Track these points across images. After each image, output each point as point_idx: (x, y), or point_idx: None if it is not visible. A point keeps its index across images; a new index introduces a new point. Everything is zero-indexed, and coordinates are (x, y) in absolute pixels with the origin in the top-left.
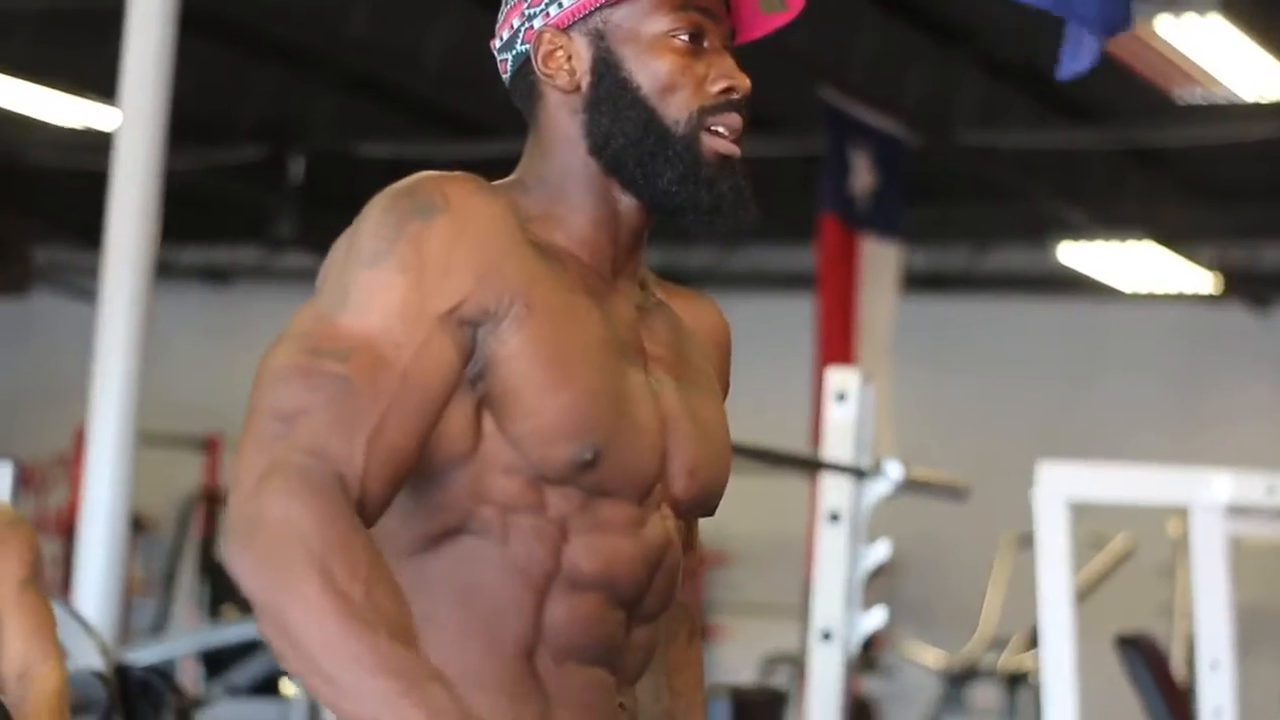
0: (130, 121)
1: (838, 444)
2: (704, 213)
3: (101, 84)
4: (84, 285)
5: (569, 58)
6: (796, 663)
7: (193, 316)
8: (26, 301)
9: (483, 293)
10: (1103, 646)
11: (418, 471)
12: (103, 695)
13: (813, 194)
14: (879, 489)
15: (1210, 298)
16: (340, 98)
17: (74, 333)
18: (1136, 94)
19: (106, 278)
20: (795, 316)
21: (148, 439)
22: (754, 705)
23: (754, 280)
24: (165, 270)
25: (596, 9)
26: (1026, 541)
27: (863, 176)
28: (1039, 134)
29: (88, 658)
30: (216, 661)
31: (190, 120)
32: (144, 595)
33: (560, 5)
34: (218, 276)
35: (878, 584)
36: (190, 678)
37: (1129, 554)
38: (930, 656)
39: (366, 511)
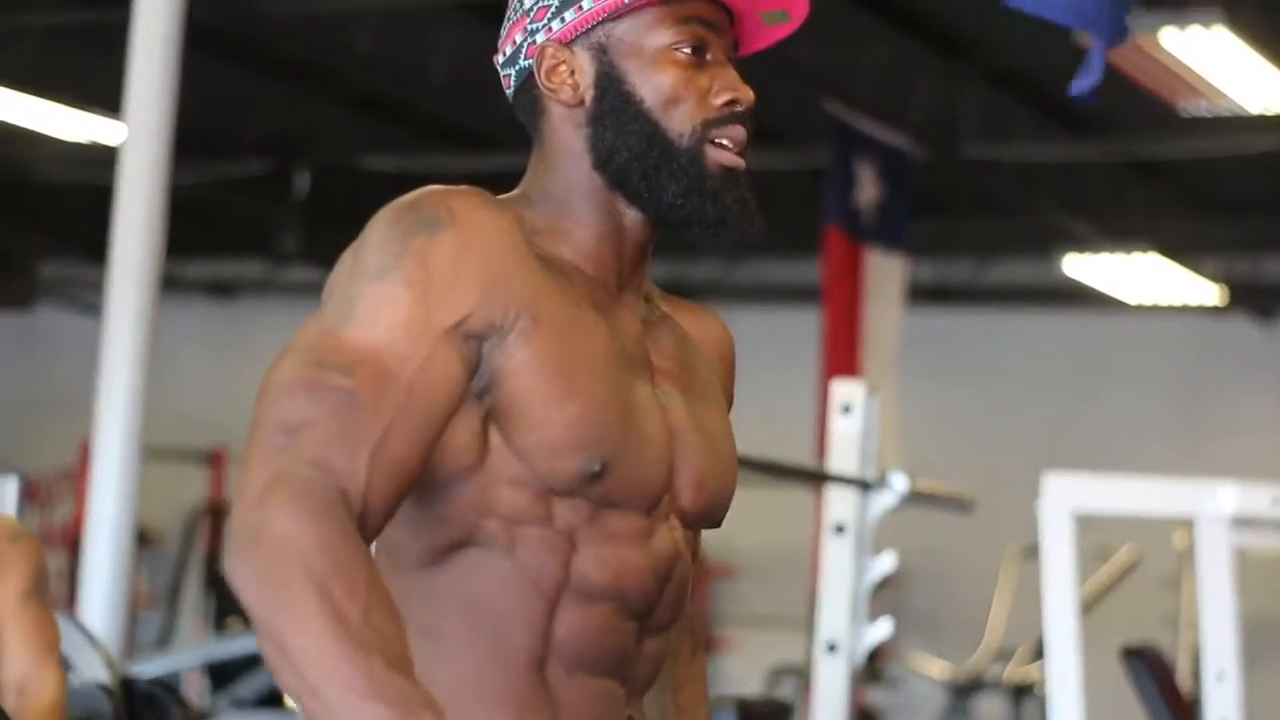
0: (135, 136)
1: (843, 456)
2: (709, 225)
3: (107, 98)
4: (89, 299)
5: (572, 72)
6: (802, 674)
7: (198, 330)
8: (32, 315)
9: (488, 306)
10: (1108, 658)
11: (425, 484)
12: (108, 708)
13: (818, 207)
14: (884, 501)
15: (1215, 309)
16: (345, 112)
17: (79, 346)
18: (1141, 106)
19: (112, 292)
20: (800, 329)
21: (153, 453)
22: (760, 717)
23: (759, 293)
24: (170, 284)
25: (599, 23)
26: (1032, 553)
27: (868, 189)
28: (1044, 147)
29: (93, 671)
30: (222, 674)
31: (195, 134)
32: (149, 609)
33: (563, 20)
34: (223, 290)
35: (883, 596)
36: (195, 691)
37: (1134, 565)
38: (936, 668)
39: (368, 525)
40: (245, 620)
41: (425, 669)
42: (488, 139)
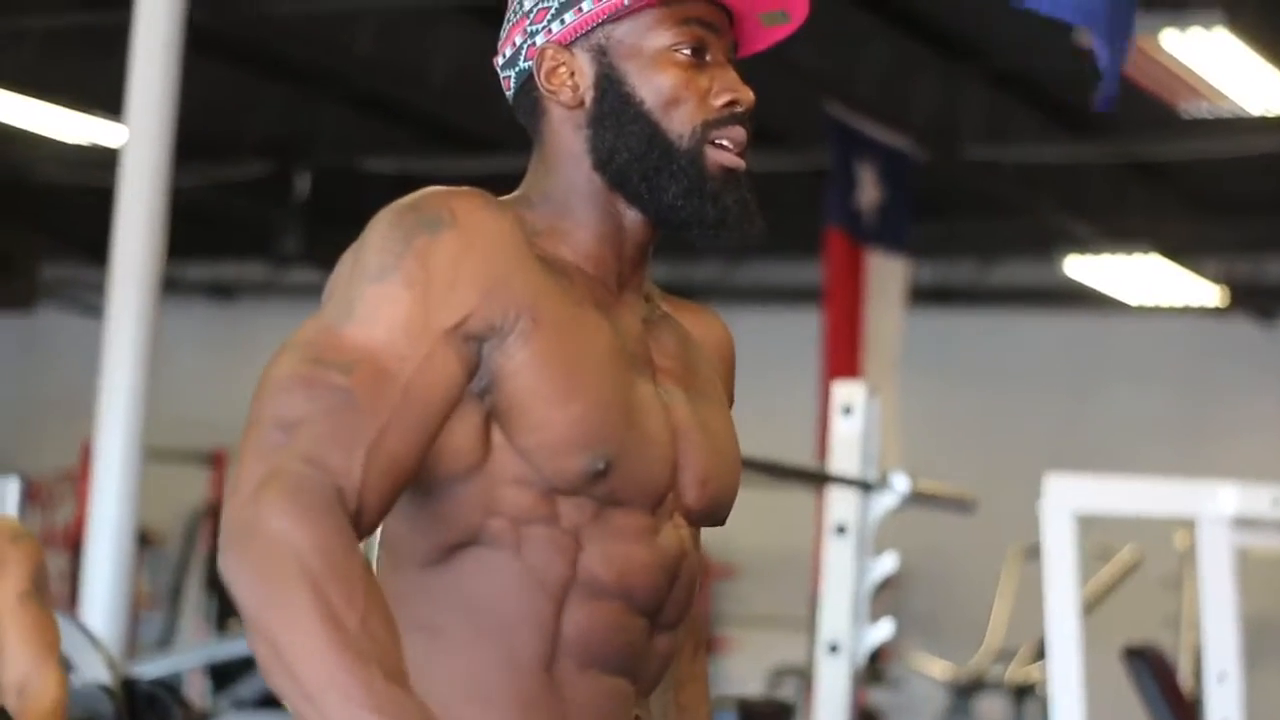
0: (136, 138)
1: (844, 457)
2: (709, 226)
3: (108, 100)
4: (90, 301)
5: (572, 74)
6: (804, 675)
7: (198, 332)
8: (33, 317)
9: (488, 307)
10: (1110, 658)
11: (427, 483)
12: (110, 709)
13: (819, 208)
14: (886, 502)
15: (1216, 310)
16: (345, 114)
17: (80, 348)
18: (1142, 108)
19: (113, 293)
20: (801, 330)
21: (154, 454)
22: (761, 717)
23: (760, 294)
24: (171, 286)
25: (599, 25)
26: (1033, 553)
27: (869, 191)
28: (1045, 148)
29: (95, 672)
30: (223, 675)
31: (196, 136)
32: (151, 610)
33: (562, 22)
34: (223, 292)
35: (885, 596)
36: (197, 691)
37: (1136, 566)
38: (937, 668)
39: (363, 524)
40: None
41: (421, 665)
42: (488, 141)
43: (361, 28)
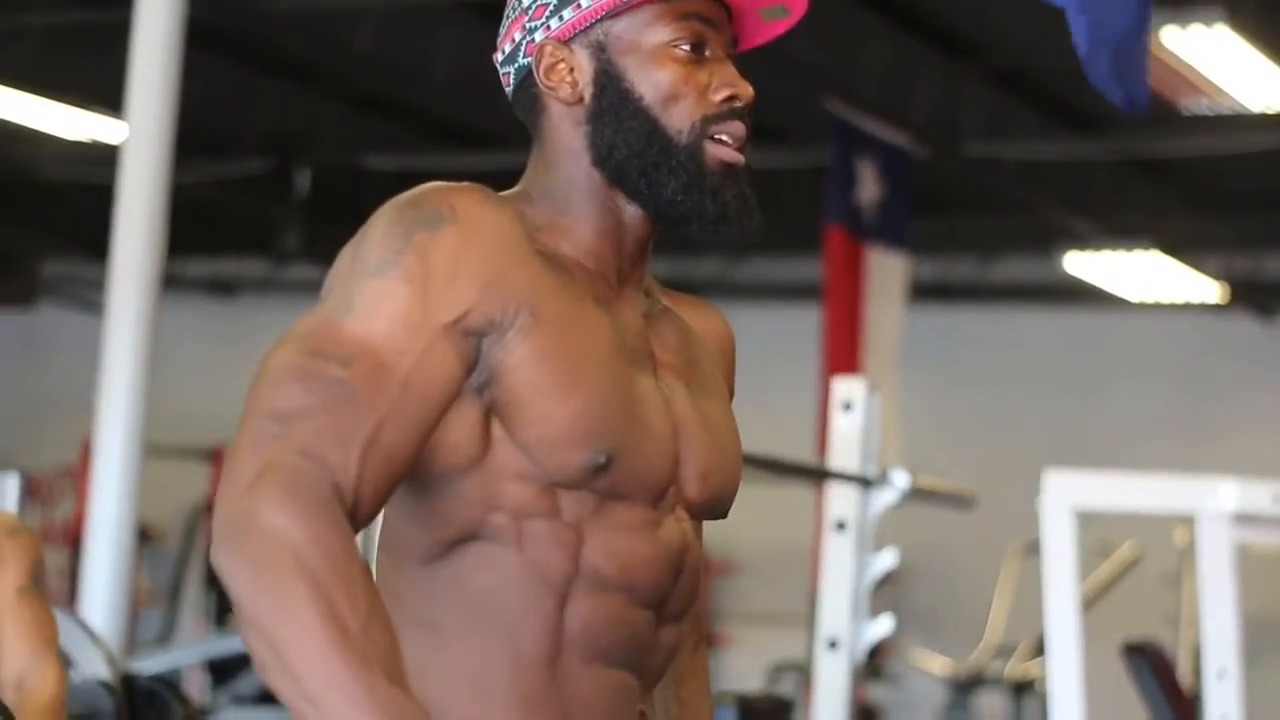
0: (137, 135)
1: (844, 453)
2: (709, 222)
3: (108, 97)
4: (90, 297)
5: (571, 70)
6: (803, 671)
7: (199, 328)
8: (33, 314)
9: (488, 303)
10: (1109, 654)
11: (427, 479)
12: (109, 705)
13: (819, 205)
14: (885, 498)
15: (1216, 307)
16: (346, 110)
17: (80, 345)
18: None
19: (113, 290)
20: (802, 327)
21: (154, 450)
22: (760, 713)
23: (760, 291)
24: (171, 282)
25: (597, 21)
26: (1033, 550)
27: (869, 188)
28: (1045, 145)
29: (94, 668)
30: (222, 671)
31: (196, 133)
32: (150, 606)
33: (561, 18)
34: (223, 289)
35: (884, 592)
36: (196, 687)
37: (1135, 562)
38: (937, 664)
39: (358, 518)
40: None
41: (420, 662)
42: (489, 137)
43: (362, 24)
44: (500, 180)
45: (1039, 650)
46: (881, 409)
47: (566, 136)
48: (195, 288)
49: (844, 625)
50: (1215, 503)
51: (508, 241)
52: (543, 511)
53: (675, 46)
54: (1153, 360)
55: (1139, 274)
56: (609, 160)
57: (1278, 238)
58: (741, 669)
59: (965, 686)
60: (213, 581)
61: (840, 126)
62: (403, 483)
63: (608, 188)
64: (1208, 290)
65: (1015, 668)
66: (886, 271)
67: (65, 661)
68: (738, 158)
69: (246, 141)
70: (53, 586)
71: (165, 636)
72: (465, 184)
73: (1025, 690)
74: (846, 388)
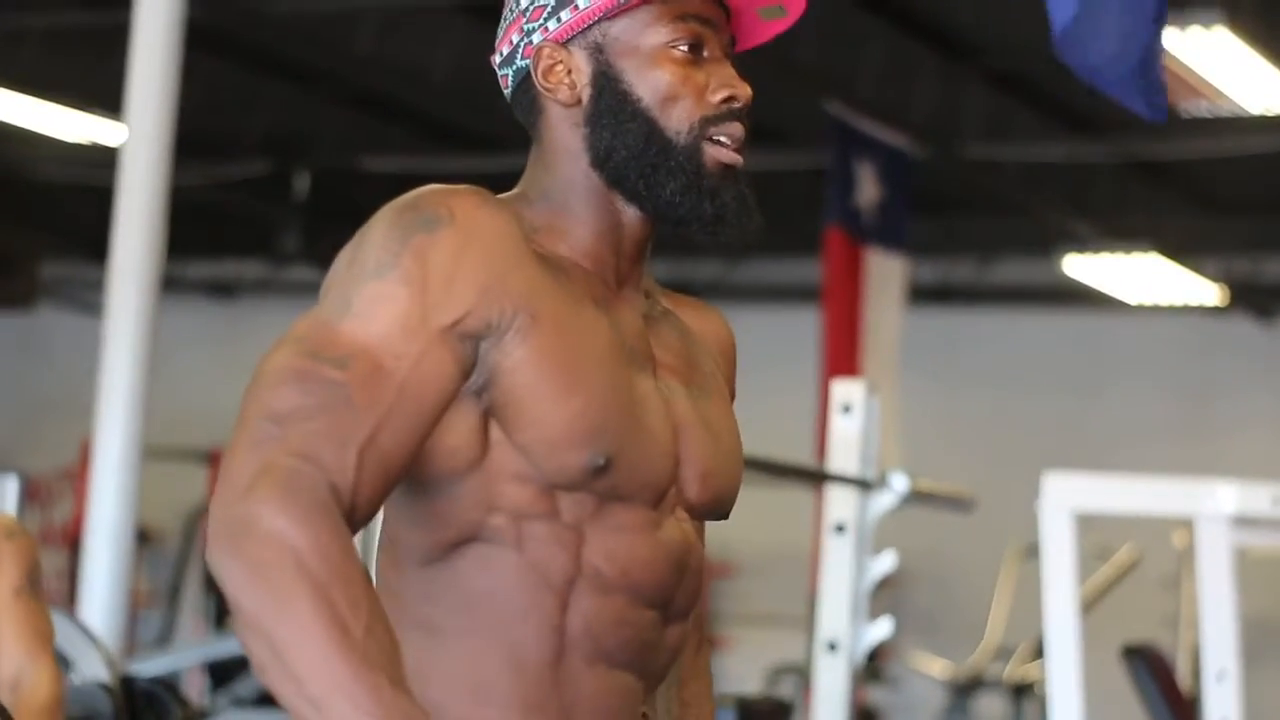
0: (136, 136)
1: (843, 456)
2: (707, 223)
3: (108, 99)
4: (90, 299)
5: (569, 72)
6: (802, 673)
7: (198, 330)
8: (33, 316)
9: (486, 306)
10: (1108, 657)
11: (426, 481)
12: (108, 707)
13: (819, 207)
14: (884, 501)
15: (1216, 309)
16: (345, 112)
17: (80, 347)
18: None
19: (112, 292)
20: (801, 329)
21: (153, 452)
22: (760, 716)
23: (760, 293)
24: (170, 284)
25: (595, 22)
26: (1032, 552)
27: (868, 189)
28: (1045, 147)
29: (93, 669)
30: (222, 673)
31: (196, 135)
32: (149, 607)
33: (559, 20)
34: (223, 290)
35: (883, 595)
36: (196, 689)
37: (1134, 565)
38: (936, 667)
39: (355, 519)
40: None
41: (419, 663)
42: (488, 139)
43: (361, 26)
44: (500, 183)
45: (1038, 653)
46: (881, 411)
47: (565, 138)
48: (195, 289)
49: (843, 627)
50: (1214, 505)
51: (506, 244)
52: (542, 513)
53: (673, 47)
54: (1152, 362)
55: (1138, 276)
56: (607, 162)
57: (1277, 240)
58: (741, 671)
59: (964, 689)
60: (212, 583)
61: (840, 128)
62: (402, 484)
63: (606, 189)
64: (1207, 292)
65: (1014, 670)
66: (886, 273)
67: (64, 663)
68: (736, 159)
69: (246, 143)
70: (51, 588)
71: (164, 638)
72: (463, 187)
73: (1025, 693)
74: (846, 390)
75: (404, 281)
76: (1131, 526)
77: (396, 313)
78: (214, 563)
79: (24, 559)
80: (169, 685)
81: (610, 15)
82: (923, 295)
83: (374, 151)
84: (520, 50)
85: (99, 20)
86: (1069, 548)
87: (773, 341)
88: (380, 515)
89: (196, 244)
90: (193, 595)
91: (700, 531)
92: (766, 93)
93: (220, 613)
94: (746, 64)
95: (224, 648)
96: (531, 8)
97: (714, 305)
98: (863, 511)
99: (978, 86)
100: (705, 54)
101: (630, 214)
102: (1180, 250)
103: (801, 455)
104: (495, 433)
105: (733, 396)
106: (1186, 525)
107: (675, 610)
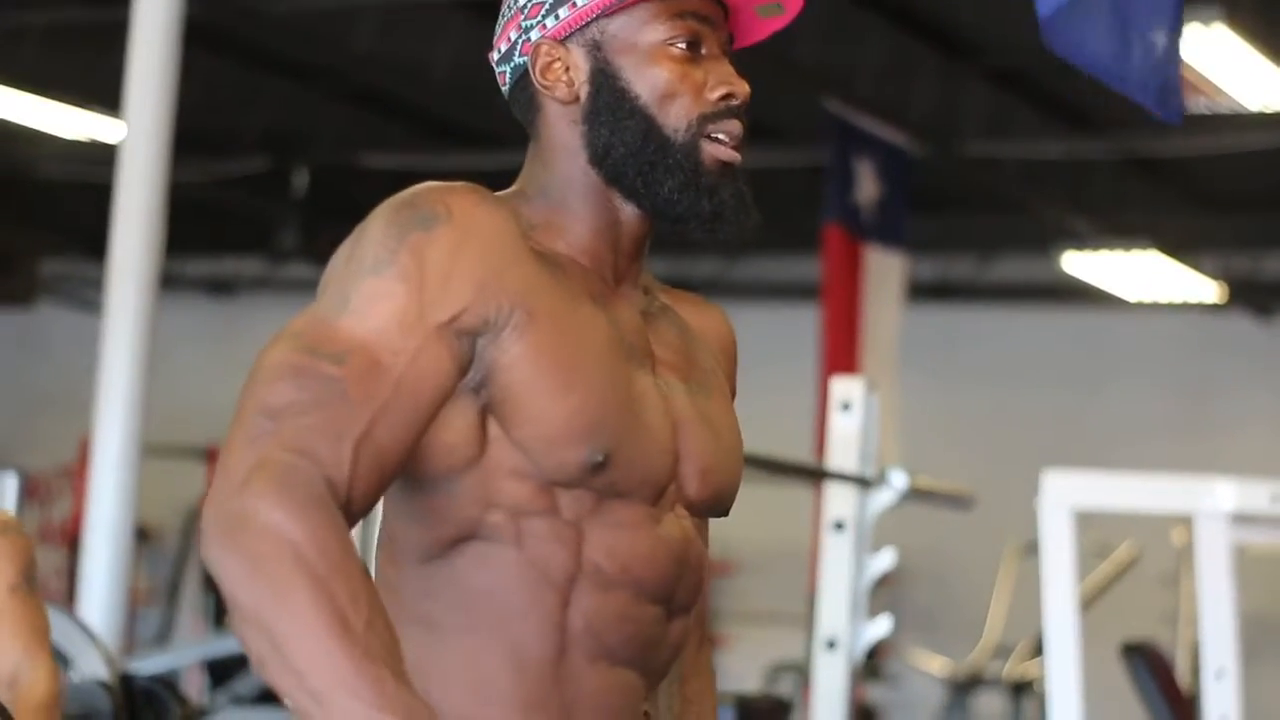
0: (135, 134)
1: (842, 453)
2: (705, 220)
3: (106, 96)
4: (88, 297)
5: (567, 69)
6: (801, 671)
7: (197, 327)
8: (31, 313)
9: (483, 303)
10: (1108, 655)
11: (424, 478)
12: (107, 705)
13: (818, 204)
14: (884, 498)
15: (1215, 306)
16: (344, 109)
17: (78, 344)
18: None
19: (111, 289)
20: (800, 326)
21: (152, 449)
22: (759, 714)
23: (759, 290)
24: (169, 281)
25: (593, 20)
26: (1031, 550)
27: (867, 187)
28: (1044, 144)
29: (92, 667)
30: (221, 671)
31: (195, 132)
32: (148, 605)
33: (557, 17)
34: (222, 288)
35: (882, 592)
36: (195, 687)
37: (1133, 562)
38: (935, 665)
39: (350, 515)
40: None
41: (418, 660)
42: (487, 136)
43: (360, 23)
44: (498, 180)
45: (1037, 650)
46: (880, 409)
47: (563, 135)
48: (193, 287)
49: (842, 625)
50: (1213, 503)
51: (503, 241)
52: (541, 510)
53: (671, 45)
54: (1151, 360)
55: (1137, 273)
56: (605, 159)
57: (1276, 237)
58: (740, 669)
59: (964, 687)
60: (211, 581)
61: (839, 125)
62: (400, 481)
63: (604, 186)
64: (1206, 290)
65: (1014, 668)
66: (885, 271)
67: (63, 661)
68: (734, 156)
69: (245, 141)
70: (50, 586)
71: (163, 636)
72: (461, 184)
73: (1024, 690)
74: (845, 387)
75: (401, 278)
76: (1130, 524)
77: (393, 309)
78: (210, 557)
79: (19, 556)
80: (168, 683)
81: (608, 12)
82: (922, 292)
83: (373, 148)
84: (518, 47)
85: (98, 17)
86: (1068, 545)
87: (772, 339)
88: (379, 512)
89: (195, 241)
90: (192, 593)
91: (702, 528)
92: (765, 90)
93: (219, 611)
94: (745, 61)
95: (223, 646)
96: (530, 5)
97: (713, 302)
98: (862, 509)
99: (977, 84)
100: (703, 51)
101: (628, 211)
102: (1179, 247)
103: (800, 453)
104: (493, 429)
105: (734, 394)
106: (1185, 523)
107: (677, 606)
